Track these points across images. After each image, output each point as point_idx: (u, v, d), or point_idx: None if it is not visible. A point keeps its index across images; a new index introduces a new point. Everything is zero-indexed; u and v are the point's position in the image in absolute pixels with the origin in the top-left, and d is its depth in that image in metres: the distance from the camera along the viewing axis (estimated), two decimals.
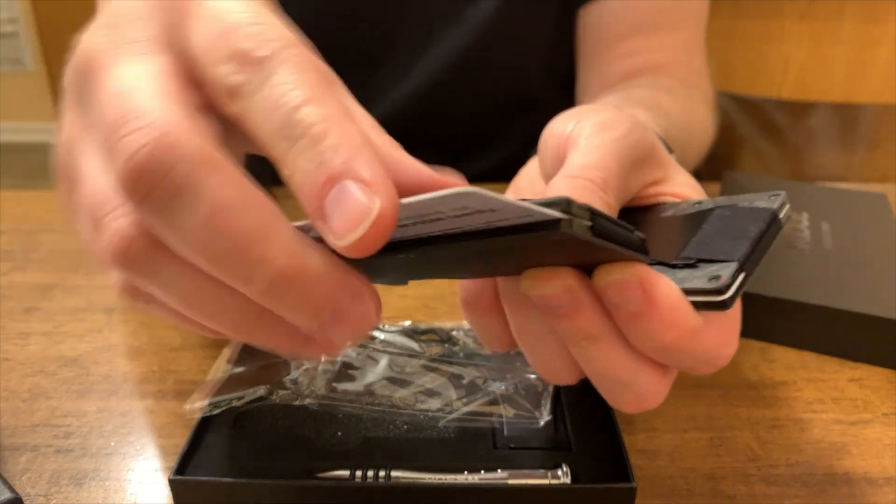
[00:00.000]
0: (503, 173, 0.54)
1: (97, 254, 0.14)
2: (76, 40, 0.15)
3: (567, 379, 0.18)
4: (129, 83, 0.13)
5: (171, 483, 0.21)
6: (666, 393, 0.17)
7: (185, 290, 0.13)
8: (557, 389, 0.25)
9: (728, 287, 0.15)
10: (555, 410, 0.24)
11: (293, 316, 0.13)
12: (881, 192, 0.41)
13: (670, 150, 0.30)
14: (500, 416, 0.23)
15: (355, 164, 0.12)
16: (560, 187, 0.17)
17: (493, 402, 0.24)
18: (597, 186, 0.17)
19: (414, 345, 0.27)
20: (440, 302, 0.33)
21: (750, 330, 0.31)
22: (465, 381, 0.25)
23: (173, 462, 0.21)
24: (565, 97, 0.50)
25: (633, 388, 0.17)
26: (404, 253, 0.14)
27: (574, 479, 0.21)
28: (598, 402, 0.25)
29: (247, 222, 0.12)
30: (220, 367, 0.25)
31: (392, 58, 0.46)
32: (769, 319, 0.30)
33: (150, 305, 0.15)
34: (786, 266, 0.32)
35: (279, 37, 0.13)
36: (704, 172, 0.45)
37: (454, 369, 0.25)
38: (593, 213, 0.13)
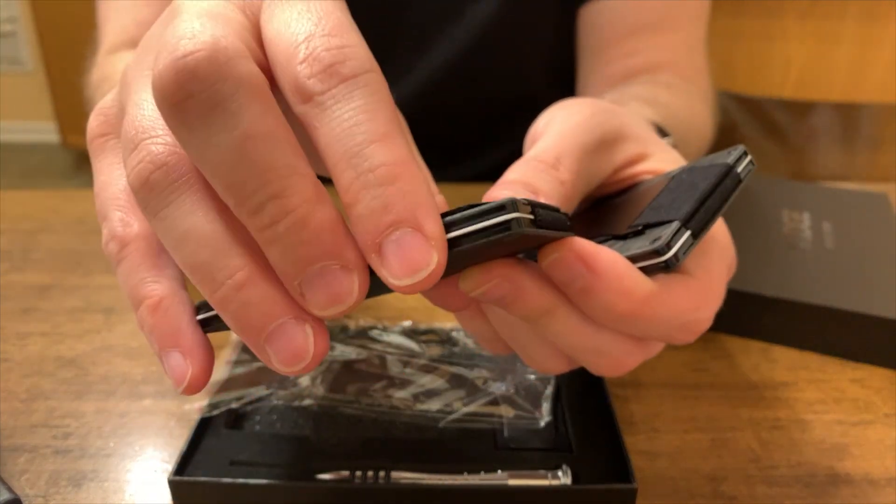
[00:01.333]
0: (502, 172, 0.54)
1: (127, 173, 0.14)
2: None
3: (557, 367, 0.18)
4: (196, 11, 0.13)
5: (171, 483, 0.21)
6: (642, 354, 0.17)
7: (189, 227, 0.13)
8: (558, 390, 0.25)
9: (668, 247, 0.14)
10: (555, 411, 0.24)
11: (282, 259, 0.13)
12: (882, 192, 0.41)
13: (665, 135, 0.30)
14: (501, 416, 0.23)
15: (421, 214, 0.12)
16: (513, 171, 0.18)
17: (494, 403, 0.24)
18: (547, 165, 0.18)
19: (414, 345, 0.27)
20: None
21: (751, 330, 0.31)
22: (465, 382, 0.25)
23: (172, 462, 0.21)
24: (566, 97, 0.50)
25: (606, 354, 0.17)
26: None
27: (574, 480, 0.21)
28: (598, 402, 0.25)
29: (275, 157, 0.12)
30: (220, 368, 0.25)
31: (392, 57, 0.46)
32: (770, 319, 0.30)
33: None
34: (787, 266, 0.32)
35: (366, 57, 0.13)
36: None
37: (454, 370, 0.25)
38: (533, 206, 0.13)
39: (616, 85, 0.42)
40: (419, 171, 0.13)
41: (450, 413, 0.23)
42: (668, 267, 0.15)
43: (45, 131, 2.09)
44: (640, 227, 0.16)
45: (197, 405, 0.23)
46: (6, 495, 0.21)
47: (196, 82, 0.12)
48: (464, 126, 0.49)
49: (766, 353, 0.30)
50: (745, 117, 0.81)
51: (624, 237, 0.16)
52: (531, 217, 0.13)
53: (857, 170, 0.78)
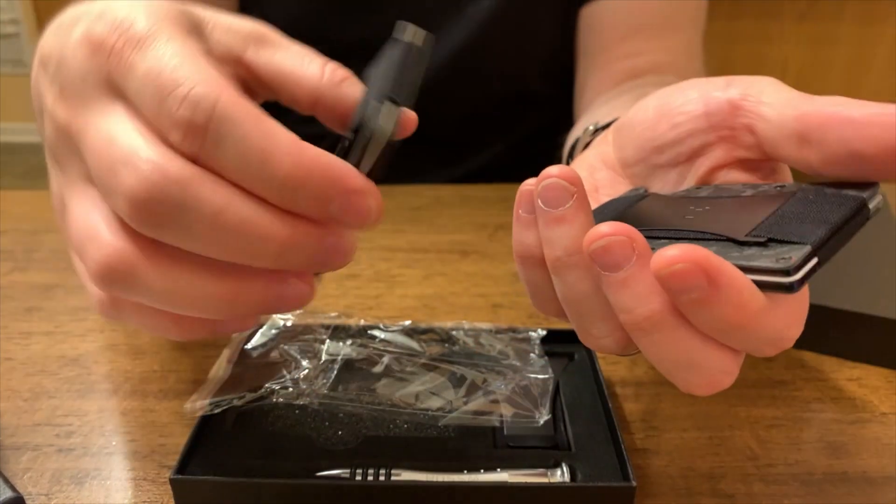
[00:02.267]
0: (501, 170, 0.55)
1: (85, 273, 0.16)
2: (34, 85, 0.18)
3: (612, 347, 0.17)
4: (108, 135, 0.16)
5: (172, 482, 0.21)
6: (737, 372, 0.17)
7: (170, 287, 0.16)
8: (556, 389, 0.25)
9: (796, 269, 0.14)
10: (554, 410, 0.24)
11: (297, 266, 0.16)
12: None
13: None
14: (500, 415, 0.23)
15: (345, 182, 0.16)
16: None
17: (494, 402, 0.24)
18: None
19: (414, 344, 0.27)
20: (440, 302, 0.33)
21: None
22: (464, 381, 0.25)
23: (174, 461, 0.21)
24: (564, 95, 0.50)
25: (702, 371, 0.16)
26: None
27: (573, 478, 0.21)
28: (597, 401, 0.25)
29: (241, 216, 0.15)
30: (221, 367, 0.25)
31: None
32: None
33: (128, 316, 0.18)
34: None
35: (207, 93, 0.15)
36: None
37: (454, 368, 0.26)
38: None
39: (618, 85, 0.42)
40: (308, 148, 0.15)
41: (449, 412, 0.23)
42: (790, 289, 0.14)
43: None
44: (764, 240, 0.15)
45: (198, 404, 0.23)
46: (9, 493, 0.21)
47: (154, 203, 0.15)
48: (463, 122, 0.50)
49: None
50: None
51: (744, 244, 0.15)
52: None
53: None
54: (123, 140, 0.15)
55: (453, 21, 0.45)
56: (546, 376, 0.25)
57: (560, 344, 0.27)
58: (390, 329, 0.28)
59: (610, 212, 0.20)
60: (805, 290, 0.16)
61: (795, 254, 0.14)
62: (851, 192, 0.16)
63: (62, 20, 0.19)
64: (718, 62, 0.89)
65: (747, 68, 0.91)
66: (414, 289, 0.34)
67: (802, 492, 0.22)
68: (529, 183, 0.17)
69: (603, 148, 0.23)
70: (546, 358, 0.26)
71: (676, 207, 0.19)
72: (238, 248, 0.15)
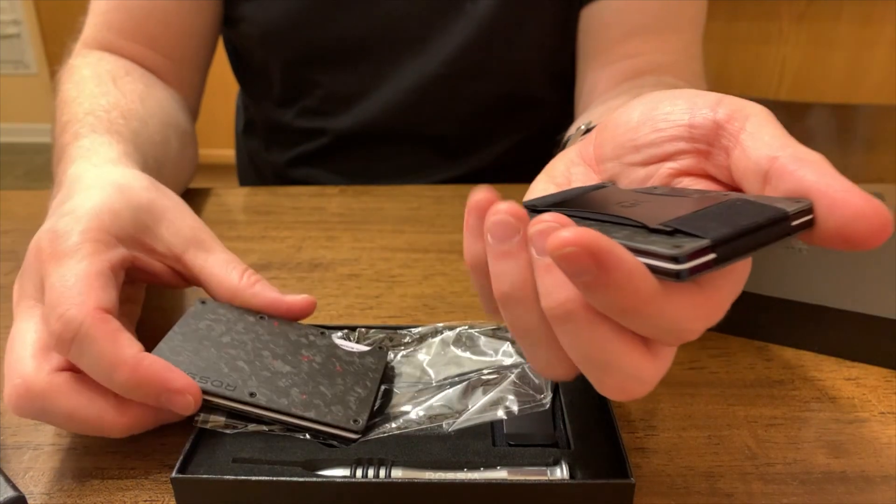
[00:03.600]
0: (501, 170, 0.55)
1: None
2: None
3: (563, 374, 0.18)
4: (16, 338, 0.23)
5: (173, 481, 0.21)
6: (652, 381, 0.17)
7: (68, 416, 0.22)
8: (556, 385, 0.25)
9: (687, 258, 0.14)
10: (554, 409, 0.25)
11: (147, 399, 0.22)
12: (878, 193, 0.41)
13: None
14: (506, 407, 0.23)
15: (169, 384, 0.22)
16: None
17: (497, 398, 0.24)
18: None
19: (417, 371, 0.27)
20: (440, 302, 0.33)
21: (747, 329, 0.31)
22: (467, 384, 0.25)
23: (175, 460, 0.22)
24: (564, 95, 0.50)
25: (615, 372, 0.16)
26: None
27: (572, 476, 0.21)
28: (596, 399, 0.25)
29: (87, 413, 0.22)
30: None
31: (391, 53, 0.46)
32: (766, 319, 0.30)
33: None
34: (783, 265, 0.32)
35: (75, 316, 0.21)
36: None
37: (456, 379, 0.25)
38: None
39: (619, 85, 0.42)
40: (145, 359, 0.22)
41: (456, 418, 0.23)
42: (677, 277, 0.14)
43: (48, 133, 2.09)
44: (671, 229, 0.15)
45: (212, 418, 0.23)
46: (10, 493, 0.21)
47: (22, 411, 0.22)
48: (462, 122, 0.50)
49: (762, 351, 0.30)
50: None
51: (653, 231, 0.16)
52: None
53: (853, 171, 0.79)
54: (20, 345, 0.22)
55: (452, 21, 0.45)
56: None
57: None
58: (399, 350, 0.27)
59: (562, 195, 0.20)
60: (721, 288, 0.16)
61: (690, 244, 0.14)
62: (780, 205, 0.16)
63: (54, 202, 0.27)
64: (717, 62, 0.89)
65: (746, 68, 0.91)
66: (414, 289, 0.34)
67: (801, 491, 0.23)
68: (478, 195, 0.18)
69: (584, 144, 0.23)
70: None
71: (622, 198, 0.19)
72: (92, 433, 0.23)
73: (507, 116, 0.50)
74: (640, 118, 0.20)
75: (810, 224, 0.16)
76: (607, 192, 0.20)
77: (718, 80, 0.88)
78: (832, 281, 0.31)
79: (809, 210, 0.16)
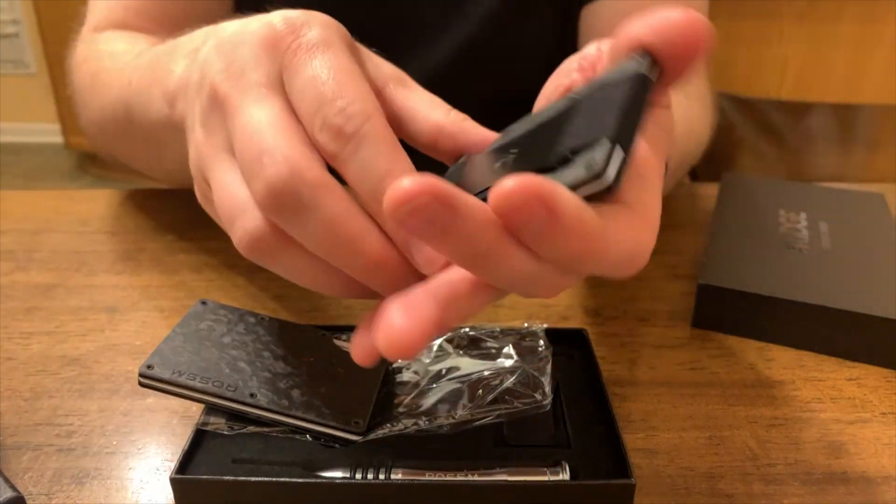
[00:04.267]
0: None
1: (253, 184, 0.18)
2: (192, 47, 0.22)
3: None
4: (260, 123, 0.18)
5: (173, 482, 0.21)
6: (573, 279, 0.16)
7: (297, 269, 0.19)
8: (557, 385, 0.25)
9: (605, 169, 0.13)
10: (554, 409, 0.24)
11: (382, 289, 0.18)
12: (879, 192, 0.41)
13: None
14: (505, 408, 0.23)
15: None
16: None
17: (495, 401, 0.24)
18: None
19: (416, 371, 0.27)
20: None
21: (748, 329, 0.31)
22: (465, 383, 0.25)
23: (175, 461, 0.22)
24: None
25: (543, 285, 0.16)
26: None
27: (573, 476, 0.21)
28: (597, 400, 0.25)
29: (351, 228, 0.18)
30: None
31: (393, 53, 0.46)
32: (767, 319, 0.30)
33: (281, 257, 0.19)
34: (784, 266, 0.32)
35: (364, 108, 0.18)
36: (703, 173, 0.45)
37: (457, 381, 0.25)
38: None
39: None
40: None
41: (456, 420, 0.23)
42: (610, 190, 0.14)
43: (48, 133, 2.10)
44: (567, 155, 0.14)
45: (212, 420, 0.23)
46: (10, 493, 0.21)
47: (286, 196, 0.17)
48: None
49: (763, 352, 0.30)
50: (742, 118, 0.81)
51: (552, 169, 0.15)
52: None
53: (854, 170, 0.79)
54: (273, 132, 0.18)
55: (452, 19, 0.45)
56: (542, 357, 0.25)
57: (560, 344, 0.27)
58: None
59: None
60: (646, 202, 0.16)
61: (598, 154, 0.14)
62: (629, 71, 0.15)
63: (192, 42, 0.24)
64: (718, 62, 0.89)
65: (747, 68, 0.91)
66: None
67: (802, 491, 0.22)
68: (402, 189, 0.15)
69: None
70: (550, 347, 0.26)
71: (489, 163, 0.19)
72: (338, 254, 0.18)
73: (508, 116, 0.50)
74: None
75: (656, 65, 0.15)
76: (471, 165, 0.20)
77: (719, 81, 0.88)
78: (832, 281, 0.31)
79: (648, 55, 0.15)
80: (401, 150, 0.18)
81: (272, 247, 0.18)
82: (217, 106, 0.20)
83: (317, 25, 0.20)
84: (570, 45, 0.47)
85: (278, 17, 0.20)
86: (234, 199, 0.19)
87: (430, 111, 0.22)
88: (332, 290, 0.19)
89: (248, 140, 0.18)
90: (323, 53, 0.19)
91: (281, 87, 0.19)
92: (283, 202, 0.17)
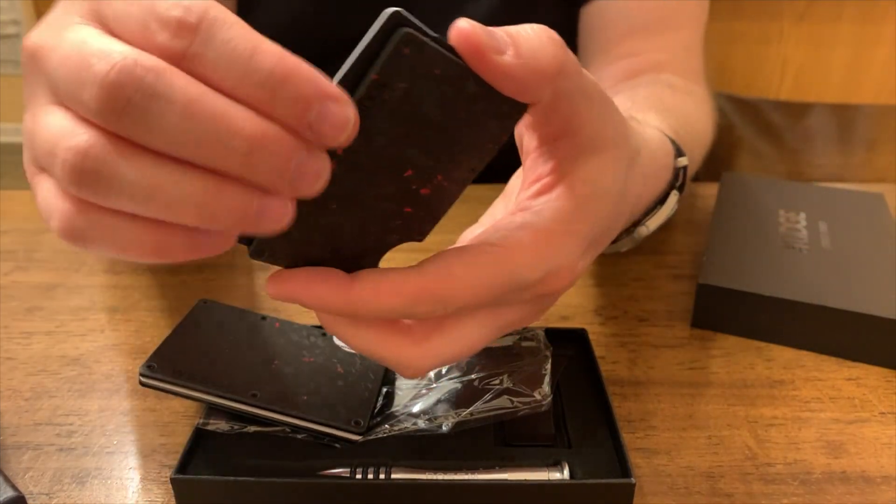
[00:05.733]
0: (502, 170, 0.54)
1: (50, 191, 0.16)
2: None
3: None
4: (77, 39, 0.15)
5: (173, 482, 0.21)
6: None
7: (146, 181, 0.15)
8: (557, 385, 0.25)
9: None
10: (554, 409, 0.24)
11: (266, 175, 0.15)
12: (878, 192, 0.41)
13: (680, 150, 0.30)
14: (505, 408, 0.23)
15: (326, 88, 0.15)
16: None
17: (496, 398, 0.24)
18: None
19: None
20: None
21: (747, 329, 0.31)
22: (465, 383, 0.25)
23: (175, 461, 0.22)
24: None
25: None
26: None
27: (573, 476, 0.21)
28: (597, 400, 0.25)
29: (216, 105, 0.14)
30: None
31: None
32: (767, 319, 0.30)
33: (98, 232, 0.16)
34: (783, 266, 0.32)
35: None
36: (703, 173, 0.45)
37: (457, 382, 0.26)
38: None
39: (618, 84, 0.42)
40: (295, 58, 0.15)
41: (456, 420, 0.23)
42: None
43: None
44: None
45: (212, 420, 0.23)
46: (10, 493, 0.21)
47: (128, 87, 0.14)
48: None
49: (762, 351, 0.30)
50: (741, 118, 0.81)
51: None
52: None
53: (853, 170, 0.79)
54: (96, 41, 0.15)
55: (454, 20, 0.45)
56: (542, 356, 0.25)
57: (560, 344, 0.27)
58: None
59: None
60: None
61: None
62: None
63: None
64: (718, 62, 0.89)
65: (746, 68, 0.91)
66: None
67: (801, 491, 0.23)
68: None
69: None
70: (550, 347, 0.26)
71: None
72: (206, 142, 0.14)
73: None
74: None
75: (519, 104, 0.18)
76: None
77: (719, 81, 0.88)
78: (832, 281, 0.31)
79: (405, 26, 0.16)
80: (253, 29, 0.15)
81: (108, 159, 0.15)
82: (33, 59, 0.17)
83: None
84: (570, 44, 0.47)
85: None
86: (54, 129, 0.16)
87: None
88: (197, 212, 0.15)
89: (67, 58, 0.15)
90: None
91: (97, 19, 0.16)
92: (123, 96, 0.14)
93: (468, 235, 0.24)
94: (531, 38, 0.17)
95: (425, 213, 0.19)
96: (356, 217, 0.18)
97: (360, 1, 0.45)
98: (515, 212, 0.20)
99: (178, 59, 0.15)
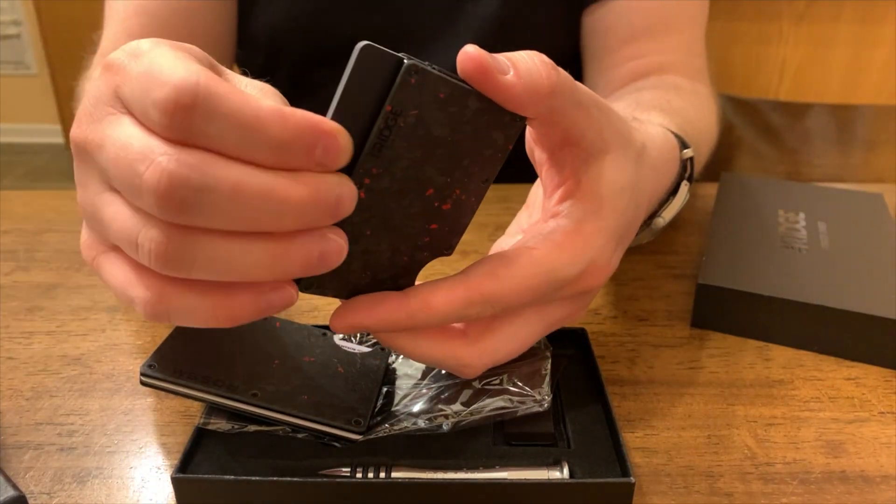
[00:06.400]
0: (502, 171, 0.55)
1: (126, 279, 0.18)
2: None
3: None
4: (120, 139, 0.17)
5: (174, 481, 0.21)
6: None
7: (221, 255, 0.17)
8: (557, 385, 0.25)
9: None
10: (554, 409, 0.25)
11: (317, 222, 0.17)
12: (878, 192, 0.41)
13: (685, 143, 0.31)
14: (504, 408, 0.23)
15: (322, 127, 0.16)
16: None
17: (495, 396, 0.24)
18: None
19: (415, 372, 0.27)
20: None
21: (747, 329, 0.31)
22: (465, 383, 0.25)
23: (176, 460, 0.22)
24: None
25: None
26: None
27: (573, 476, 0.21)
28: (596, 399, 0.25)
29: (259, 186, 0.16)
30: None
31: None
32: (766, 318, 0.30)
33: (176, 307, 0.18)
34: (783, 266, 0.32)
35: (184, 78, 0.16)
36: (702, 173, 0.45)
37: (448, 382, 0.26)
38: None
39: (623, 87, 0.42)
40: (286, 108, 0.16)
41: (455, 420, 0.23)
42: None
43: (49, 133, 2.10)
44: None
45: (213, 420, 0.23)
46: (11, 492, 0.21)
47: (176, 190, 0.16)
48: None
49: (762, 351, 0.30)
50: (741, 119, 0.81)
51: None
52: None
53: (853, 171, 0.79)
54: (136, 142, 0.17)
55: (455, 22, 0.45)
56: (542, 356, 0.25)
57: (560, 344, 0.27)
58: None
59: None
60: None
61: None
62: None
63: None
64: (718, 62, 0.89)
65: (745, 69, 0.91)
66: None
67: (800, 490, 0.23)
68: None
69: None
70: (550, 347, 0.26)
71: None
72: (263, 214, 0.16)
73: None
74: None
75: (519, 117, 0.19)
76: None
77: (718, 81, 0.88)
78: (831, 281, 0.31)
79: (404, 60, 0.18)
80: (247, 92, 0.17)
81: (188, 250, 0.17)
82: (82, 153, 0.19)
83: (147, 41, 0.18)
84: (571, 46, 0.47)
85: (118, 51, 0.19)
86: (125, 221, 0.17)
87: None
88: (266, 269, 0.17)
89: (117, 162, 0.17)
90: (147, 54, 0.17)
91: (124, 105, 0.18)
92: (177, 197, 0.16)
93: (499, 245, 0.25)
94: (527, 61, 0.19)
95: (449, 227, 0.21)
96: (388, 240, 0.20)
97: (360, 1, 0.45)
98: (547, 219, 0.22)
99: (185, 140, 0.16)
